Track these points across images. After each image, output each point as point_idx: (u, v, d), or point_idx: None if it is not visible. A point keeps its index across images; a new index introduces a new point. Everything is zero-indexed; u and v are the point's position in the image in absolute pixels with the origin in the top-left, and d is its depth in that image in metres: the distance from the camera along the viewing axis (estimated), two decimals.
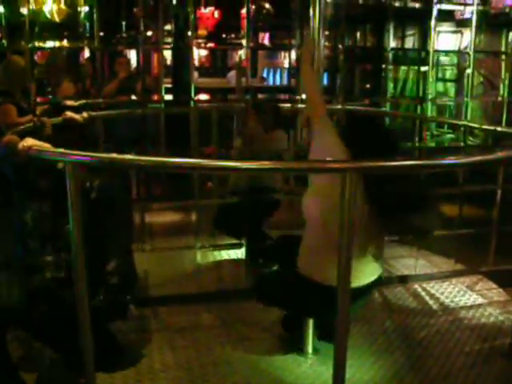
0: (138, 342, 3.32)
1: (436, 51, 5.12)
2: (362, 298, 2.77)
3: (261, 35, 12.55)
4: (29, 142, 2.58)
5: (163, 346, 3.29)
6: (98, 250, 2.95)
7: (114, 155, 2.33)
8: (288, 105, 5.01)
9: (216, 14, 10.99)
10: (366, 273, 2.69)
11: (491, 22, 6.85)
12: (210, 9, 10.89)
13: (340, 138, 2.58)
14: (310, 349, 3.19)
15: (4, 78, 4.37)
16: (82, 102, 4.52)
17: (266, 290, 3.00)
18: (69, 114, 3.84)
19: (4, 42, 4.23)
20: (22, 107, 4.26)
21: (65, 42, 7.07)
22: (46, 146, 2.58)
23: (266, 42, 12.62)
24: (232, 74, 12.99)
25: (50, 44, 6.62)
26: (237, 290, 3.93)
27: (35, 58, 7.20)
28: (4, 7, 4.21)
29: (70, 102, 4.28)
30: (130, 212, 3.76)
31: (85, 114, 4.03)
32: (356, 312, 3.00)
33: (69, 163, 2.31)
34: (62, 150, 2.40)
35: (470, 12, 5.03)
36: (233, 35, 11.39)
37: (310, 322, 3.11)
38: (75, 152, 2.35)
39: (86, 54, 5.02)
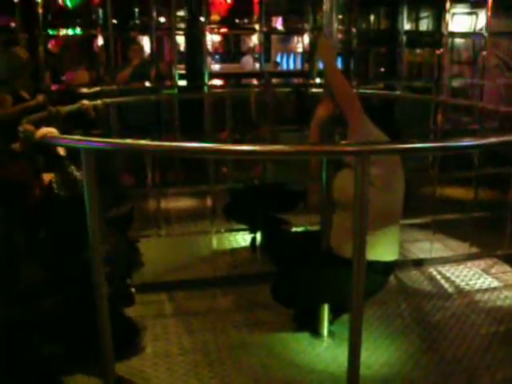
0: (155, 326, 3.36)
1: (451, 33, 5.07)
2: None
3: (274, 20, 12.46)
4: (49, 130, 2.61)
5: (180, 329, 3.33)
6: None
7: (129, 140, 2.35)
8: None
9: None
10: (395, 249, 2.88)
11: (506, 3, 6.76)
12: None
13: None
14: (325, 332, 3.20)
15: (3, 69, 4.32)
16: (97, 89, 4.53)
17: (285, 291, 3.03)
18: (86, 102, 3.85)
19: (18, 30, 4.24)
20: (21, 96, 4.23)
21: (78, 30, 7.07)
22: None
23: (279, 26, 12.53)
24: (246, 59, 12.95)
25: (63, 32, 6.62)
26: (252, 274, 3.96)
27: (49, 46, 7.24)
28: None
29: (84, 90, 4.30)
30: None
31: (99, 102, 4.05)
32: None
33: (84, 150, 2.33)
34: (78, 136, 2.43)
35: None
36: (246, 20, 11.32)
37: (326, 306, 3.13)
38: (91, 139, 2.37)
39: (100, 41, 5.02)
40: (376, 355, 3.03)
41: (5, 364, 2.69)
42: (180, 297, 3.72)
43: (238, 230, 4.72)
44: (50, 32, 4.64)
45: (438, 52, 6.39)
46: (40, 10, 4.27)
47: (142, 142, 2.39)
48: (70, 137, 2.50)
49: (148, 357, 3.05)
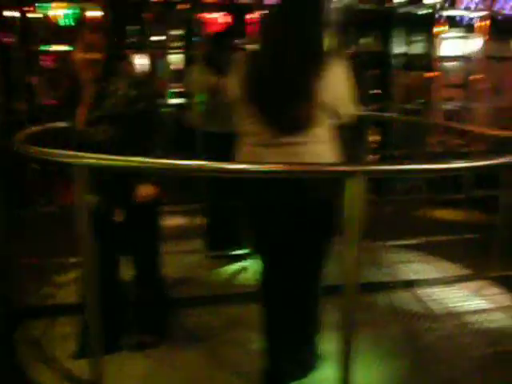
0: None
1: (442, 57, 5.13)
2: None
3: None
4: None
5: (170, 347, 3.31)
6: None
7: (123, 158, 2.35)
8: None
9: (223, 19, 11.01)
10: None
11: (497, 28, 6.85)
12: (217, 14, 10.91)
13: None
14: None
15: None
16: None
17: None
18: None
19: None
20: None
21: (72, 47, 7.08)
22: None
23: None
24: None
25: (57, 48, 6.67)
26: (244, 293, 3.94)
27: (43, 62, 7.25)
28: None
29: None
30: None
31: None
32: None
33: (76, 166, 2.34)
34: (69, 152, 2.44)
35: (477, 17, 5.05)
36: (238, 40, 11.37)
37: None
38: (83, 154, 2.38)
39: None
40: (366, 376, 3.01)
41: None
42: (171, 314, 3.70)
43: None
44: (46, 48, 4.64)
45: (429, 75, 6.46)
46: (35, 27, 4.28)
47: (136, 159, 2.38)
48: (61, 152, 2.49)
49: (138, 372, 3.04)
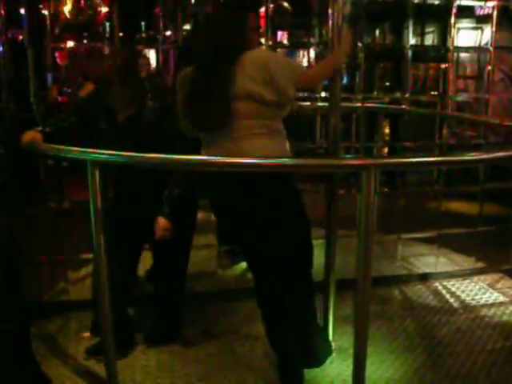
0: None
1: (456, 48, 5.07)
2: None
3: (279, 34, 12.52)
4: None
5: (184, 342, 3.32)
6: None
7: (135, 154, 2.35)
8: (307, 103, 4.98)
9: None
10: None
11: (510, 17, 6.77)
12: None
13: None
14: None
15: None
16: None
17: None
18: None
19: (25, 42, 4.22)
20: None
21: (85, 43, 7.10)
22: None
23: (285, 40, 12.58)
24: None
25: (69, 44, 6.66)
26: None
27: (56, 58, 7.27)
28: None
29: None
30: None
31: None
32: None
33: (89, 161, 2.34)
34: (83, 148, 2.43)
35: (491, 8, 4.98)
36: None
37: (330, 321, 3.10)
38: (96, 150, 2.38)
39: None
40: (381, 370, 3.01)
41: None
42: (185, 310, 3.70)
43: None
44: (57, 45, 4.65)
45: (443, 66, 6.41)
46: (48, 23, 4.26)
47: (147, 155, 2.38)
48: (75, 148, 2.49)
49: (151, 369, 3.04)
